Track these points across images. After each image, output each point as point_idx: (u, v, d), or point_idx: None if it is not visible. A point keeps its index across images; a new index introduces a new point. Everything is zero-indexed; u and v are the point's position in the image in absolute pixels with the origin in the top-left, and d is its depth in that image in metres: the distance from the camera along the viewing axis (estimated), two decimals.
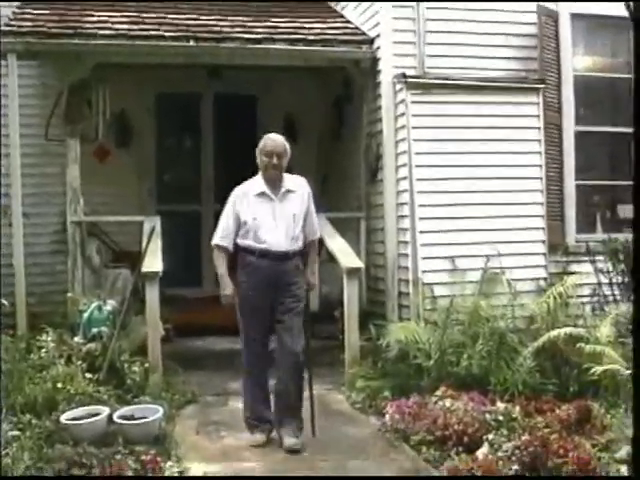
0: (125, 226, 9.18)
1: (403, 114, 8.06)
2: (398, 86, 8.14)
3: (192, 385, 7.13)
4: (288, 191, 5.83)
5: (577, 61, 8.73)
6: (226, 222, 5.85)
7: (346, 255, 7.64)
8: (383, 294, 8.37)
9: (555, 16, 8.50)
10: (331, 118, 10.24)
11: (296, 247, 5.82)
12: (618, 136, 8.84)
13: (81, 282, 8.28)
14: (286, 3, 10.05)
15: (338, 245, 7.82)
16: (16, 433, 5.27)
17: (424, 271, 7.79)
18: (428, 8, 8.19)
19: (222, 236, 5.85)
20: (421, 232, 7.84)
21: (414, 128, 7.94)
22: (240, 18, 9.14)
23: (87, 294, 7.95)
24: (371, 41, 8.62)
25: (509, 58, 8.38)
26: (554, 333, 6.69)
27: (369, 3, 8.74)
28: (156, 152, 10.68)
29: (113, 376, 6.72)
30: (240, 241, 5.81)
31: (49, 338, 6.94)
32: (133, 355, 6.99)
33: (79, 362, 6.64)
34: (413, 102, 7.99)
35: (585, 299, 7.86)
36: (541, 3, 8.39)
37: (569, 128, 8.55)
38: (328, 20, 9.43)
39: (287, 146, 5.88)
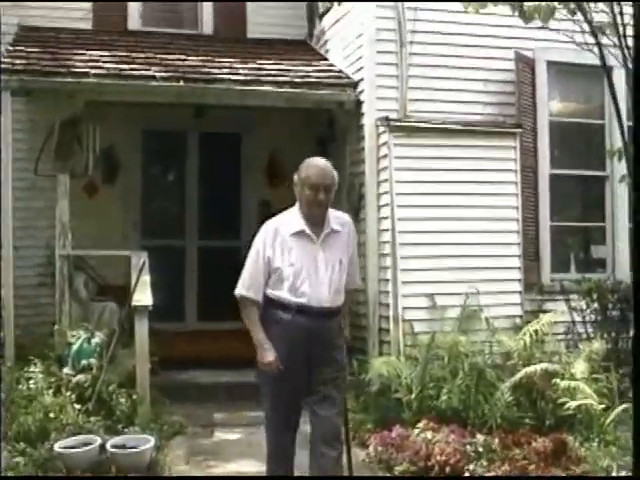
0: (109, 260, 9.31)
1: (386, 156, 8.34)
2: (381, 128, 8.42)
3: (179, 416, 7.29)
4: (333, 231, 4.74)
5: (552, 106, 9.06)
6: (254, 267, 4.70)
7: None
8: (364, 330, 8.58)
9: (532, 63, 8.84)
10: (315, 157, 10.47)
11: (340, 302, 4.77)
12: (591, 179, 9.20)
13: (68, 314, 8.41)
14: (271, 45, 10.39)
15: None
16: (19, 459, 5.44)
17: (405, 308, 8.03)
18: (411, 54, 8.51)
19: (249, 285, 4.69)
20: (402, 270, 8.08)
21: (396, 169, 8.22)
22: (227, 59, 9.41)
23: (74, 326, 8.09)
24: (355, 84, 8.90)
25: (488, 103, 8.71)
26: (530, 369, 6.94)
27: (353, 48, 9.03)
28: (142, 188, 10.87)
29: (102, 407, 6.87)
30: (270, 292, 4.66)
31: (37, 369, 7.11)
32: (120, 387, 7.15)
33: (68, 393, 6.81)
34: (395, 144, 8.28)
35: (560, 336, 8.14)
36: (519, 51, 8.73)
37: (544, 171, 8.85)
38: (313, 63, 9.73)
39: (336, 176, 4.79)
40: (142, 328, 7.18)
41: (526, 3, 5.51)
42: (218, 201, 10.95)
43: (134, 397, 7.03)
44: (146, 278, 7.67)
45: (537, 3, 5.50)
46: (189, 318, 10.61)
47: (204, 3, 10.97)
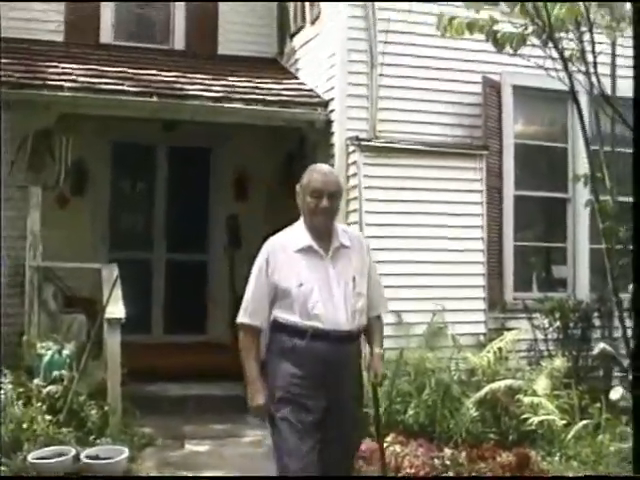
0: (77, 272, 9.35)
1: (355, 174, 8.51)
2: (351, 148, 8.59)
3: (149, 428, 7.37)
4: (342, 246, 4.27)
5: (518, 129, 9.29)
6: (257, 290, 4.20)
7: None
8: None
9: (498, 87, 9.06)
10: (283, 174, 10.61)
11: (359, 324, 4.24)
12: (553, 201, 9.45)
13: (37, 325, 8.45)
14: (242, 63, 10.53)
15: None
16: (4, 469, 5.50)
17: None
18: (381, 75, 8.70)
19: (251, 311, 4.19)
20: None
21: (365, 188, 8.39)
22: (199, 75, 9.52)
23: (43, 337, 8.13)
24: (326, 104, 9.06)
25: (455, 125, 8.91)
26: (495, 385, 7.13)
27: (325, 68, 9.20)
28: (110, 200, 10.92)
29: (73, 418, 6.94)
30: (279, 315, 4.16)
31: (6, 380, 7.15)
32: (90, 398, 7.21)
33: (39, 404, 6.86)
34: (365, 164, 8.45)
35: (522, 354, 8.35)
36: (486, 75, 8.96)
37: (509, 192, 9.07)
38: (283, 81, 9.89)
39: (341, 183, 4.44)
40: (114, 340, 7.26)
41: (500, 31, 5.69)
42: (186, 215, 11.05)
43: (105, 408, 7.10)
44: (118, 291, 7.75)
45: (510, 31, 5.70)
46: (155, 330, 10.68)
47: (177, 18, 11.07)
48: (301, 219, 4.34)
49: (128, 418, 7.35)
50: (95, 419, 6.97)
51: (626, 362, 5.55)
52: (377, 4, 8.72)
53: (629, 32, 5.27)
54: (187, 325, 10.71)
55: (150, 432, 7.31)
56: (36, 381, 7.25)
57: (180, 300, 10.71)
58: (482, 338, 8.40)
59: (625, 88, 6.14)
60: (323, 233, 4.23)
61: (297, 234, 4.29)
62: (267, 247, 4.29)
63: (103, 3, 10.73)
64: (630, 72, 7.23)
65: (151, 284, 10.80)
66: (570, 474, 6.04)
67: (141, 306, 10.64)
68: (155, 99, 8.62)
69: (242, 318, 4.22)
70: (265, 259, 4.23)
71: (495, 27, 5.79)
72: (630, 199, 9.05)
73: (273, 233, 11.18)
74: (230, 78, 9.62)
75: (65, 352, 7.55)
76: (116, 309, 7.40)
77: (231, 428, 7.51)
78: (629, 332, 5.35)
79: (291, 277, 4.14)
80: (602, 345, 6.18)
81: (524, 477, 5.38)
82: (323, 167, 4.46)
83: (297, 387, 4.06)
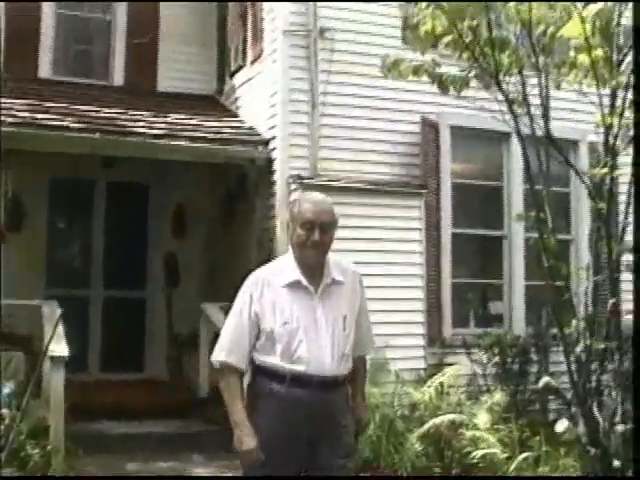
0: (12, 308, 9.22)
1: None
2: (293, 186, 8.70)
3: (92, 467, 7.29)
4: (334, 282, 3.90)
5: (455, 168, 9.50)
6: (237, 327, 3.84)
7: None
8: None
9: (436, 127, 9.29)
10: (223, 210, 10.66)
11: (347, 369, 3.88)
12: (489, 238, 9.67)
13: None
14: (181, 100, 10.58)
15: None
16: None
17: None
18: (322, 115, 8.85)
19: (230, 350, 3.81)
20: None
21: None
22: (139, 112, 9.57)
23: None
24: (267, 142, 9.18)
25: (395, 164, 9.11)
26: (437, 420, 7.25)
27: (266, 106, 9.31)
28: (47, 236, 10.80)
29: (15, 458, 6.83)
30: (259, 358, 3.82)
31: None
32: (31, 437, 7.12)
33: None
34: None
35: (462, 388, 8.49)
36: (424, 115, 9.17)
37: (446, 230, 9.26)
38: (223, 119, 9.98)
39: (336, 214, 4.01)
40: (58, 378, 7.18)
41: (445, 74, 5.85)
42: (124, 251, 10.98)
43: (48, 448, 7.01)
44: (60, 328, 7.68)
45: (454, 74, 5.86)
46: (92, 368, 10.55)
47: (116, 54, 11.08)
48: (289, 250, 3.97)
49: (71, 457, 7.26)
50: (37, 459, 6.87)
51: (569, 396, 5.70)
52: (319, 44, 8.90)
53: (570, 76, 5.48)
54: (124, 363, 10.61)
55: (94, 471, 7.22)
56: None
57: (117, 337, 10.61)
58: (422, 373, 8.53)
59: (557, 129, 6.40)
60: (314, 268, 3.86)
61: (285, 268, 3.90)
62: (251, 281, 3.91)
63: (42, 38, 10.67)
64: (563, 114, 7.52)
65: (88, 321, 10.67)
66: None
67: (78, 343, 10.49)
68: (97, 136, 8.62)
69: (219, 356, 3.82)
70: (249, 294, 3.85)
71: (439, 70, 5.94)
72: (567, 236, 9.37)
73: (211, 270, 11.38)
74: (171, 115, 9.70)
75: (5, 391, 7.44)
76: (59, 347, 7.33)
77: (176, 466, 7.46)
78: (573, 367, 5.50)
79: (275, 315, 3.79)
80: (546, 379, 6.33)
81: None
82: (315, 195, 4.05)
83: (274, 438, 3.72)
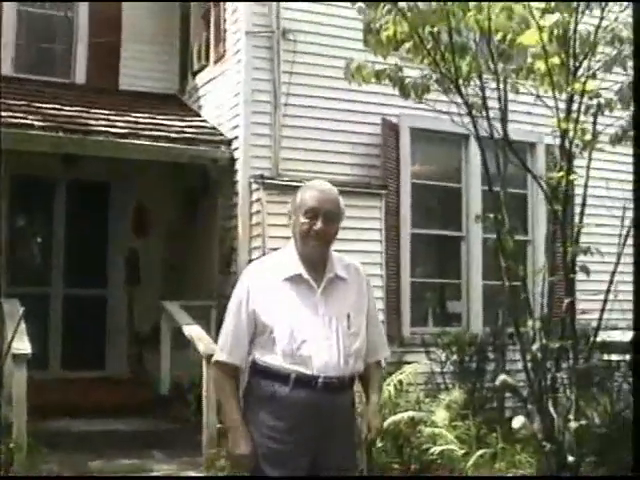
0: None
1: (258, 212, 8.71)
2: (254, 186, 8.79)
3: (55, 465, 7.30)
4: (338, 277, 3.63)
5: (415, 170, 9.63)
6: (236, 324, 3.57)
7: (205, 342, 8.07)
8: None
9: (396, 129, 9.42)
10: (185, 209, 10.69)
11: (354, 370, 3.59)
12: (448, 238, 9.83)
13: None
14: (144, 98, 10.61)
15: (196, 332, 8.23)
16: None
17: None
18: (285, 115, 8.95)
19: (230, 348, 3.57)
20: None
21: (269, 225, 8.59)
22: (102, 111, 9.57)
23: None
24: (229, 142, 9.26)
25: (356, 165, 9.23)
26: (397, 417, 7.36)
27: (228, 107, 9.39)
28: (8, 234, 10.75)
29: None
30: (258, 357, 3.55)
31: None
32: None
33: None
34: (268, 202, 8.66)
35: (421, 386, 8.63)
36: (385, 117, 9.30)
37: (406, 230, 9.39)
38: (186, 118, 10.03)
39: (342, 204, 3.71)
40: (21, 376, 7.17)
41: (406, 79, 5.99)
42: (85, 249, 10.97)
43: (10, 445, 7.02)
44: (22, 326, 7.69)
45: (415, 79, 6.00)
46: (54, 366, 10.54)
47: (78, 52, 11.07)
48: (291, 242, 3.69)
49: (34, 455, 7.27)
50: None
51: (525, 392, 5.87)
52: (282, 45, 8.99)
53: (528, 82, 5.65)
54: (86, 360, 10.60)
55: (57, 469, 7.24)
56: None
57: (78, 335, 10.60)
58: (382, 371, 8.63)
59: (515, 131, 6.57)
60: (316, 261, 3.59)
61: (285, 260, 3.63)
62: (248, 273, 3.67)
63: (3, 35, 10.63)
64: (522, 117, 7.69)
65: (49, 319, 10.66)
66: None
67: (39, 341, 10.48)
68: (61, 134, 8.64)
69: (220, 356, 3.58)
70: (246, 288, 3.58)
71: (401, 74, 6.07)
72: (525, 237, 9.56)
73: (173, 269, 11.43)
74: (133, 114, 9.72)
75: None
76: (22, 345, 7.33)
77: (138, 463, 7.50)
78: (529, 364, 5.67)
79: (275, 311, 3.52)
80: (503, 377, 6.48)
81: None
82: (321, 184, 3.76)
83: (276, 443, 3.47)
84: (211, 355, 7.51)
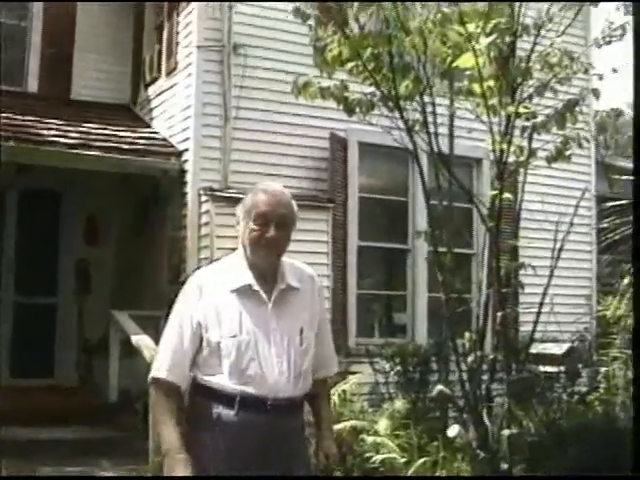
0: None
1: (207, 223, 8.84)
2: (204, 197, 8.92)
3: (3, 472, 7.31)
4: (290, 288, 3.34)
5: (362, 183, 9.81)
6: (177, 339, 3.25)
7: (152, 352, 8.14)
8: None
9: (344, 143, 9.60)
10: (136, 219, 10.77)
11: (303, 390, 3.29)
12: (394, 251, 10.03)
13: None
14: (96, 109, 10.68)
15: (144, 342, 8.32)
16: None
17: None
18: (234, 128, 9.10)
19: (170, 365, 3.24)
20: None
21: (218, 237, 8.72)
22: (54, 120, 9.63)
23: None
24: (179, 154, 9.38)
25: (304, 178, 9.39)
26: (340, 426, 7.51)
27: (179, 119, 9.52)
28: None
29: None
30: (201, 375, 3.24)
31: None
32: None
33: None
34: (217, 214, 8.79)
35: (365, 396, 8.80)
36: (333, 131, 9.49)
37: (353, 243, 9.57)
38: (137, 130, 10.12)
39: (295, 208, 3.41)
40: None
41: (350, 98, 6.17)
42: (36, 258, 11.00)
43: None
44: None
45: (360, 98, 6.19)
46: (2, 374, 10.55)
47: (31, 60, 11.11)
48: (239, 250, 3.40)
49: None
50: None
51: (462, 403, 6.06)
52: (233, 60, 9.15)
53: (467, 103, 5.86)
54: (35, 369, 10.64)
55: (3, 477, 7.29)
56: None
57: (28, 343, 10.64)
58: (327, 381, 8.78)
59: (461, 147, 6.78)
60: (267, 271, 3.30)
61: (233, 269, 3.33)
62: (195, 282, 3.33)
63: None
64: (465, 133, 7.90)
65: None
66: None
67: None
68: (12, 143, 8.69)
69: (159, 373, 3.24)
70: (190, 299, 3.28)
71: (347, 91, 6.26)
72: (469, 251, 9.79)
73: (123, 278, 11.49)
74: (85, 124, 9.78)
75: None
76: None
77: (85, 471, 7.57)
78: (464, 375, 5.87)
79: (221, 325, 3.21)
80: (440, 387, 6.68)
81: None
82: (272, 186, 3.42)
83: (220, 471, 3.16)
84: None
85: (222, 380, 3.17)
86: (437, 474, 7.09)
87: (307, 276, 3.46)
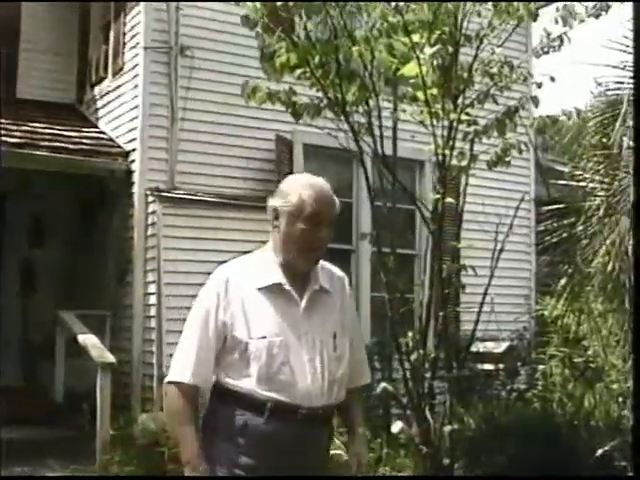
0: None
1: (154, 224, 8.92)
2: (151, 198, 9.00)
3: None
4: (322, 290, 3.10)
5: None
6: (199, 339, 2.98)
7: (99, 351, 8.23)
8: (127, 387, 8.99)
9: (290, 145, 9.74)
10: (82, 220, 10.75)
11: (338, 399, 3.05)
12: (338, 252, 10.12)
13: None
14: (41, 108, 10.66)
15: (91, 341, 8.38)
16: None
17: (168, 367, 8.52)
18: (182, 129, 9.19)
19: (193, 367, 2.96)
20: (167, 332, 8.63)
21: (164, 237, 8.80)
22: (0, 120, 9.61)
23: None
24: (126, 154, 9.45)
25: (251, 179, 9.51)
26: None
27: (126, 119, 9.57)
28: None
29: None
30: (227, 379, 2.97)
31: None
32: None
33: None
34: (164, 214, 8.88)
35: None
36: (279, 133, 9.61)
37: None
38: (84, 129, 10.15)
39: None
40: None
41: (297, 103, 6.30)
42: None
43: None
44: None
45: (307, 103, 6.32)
46: None
47: None
48: (268, 246, 3.16)
49: None
50: None
51: (405, 400, 6.23)
52: (180, 61, 9.23)
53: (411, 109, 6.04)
54: None
55: None
56: None
57: None
58: None
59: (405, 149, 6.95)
60: (302, 271, 3.06)
61: (262, 266, 3.07)
62: (218, 280, 3.04)
63: None
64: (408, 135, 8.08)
65: None
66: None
67: None
68: None
69: (179, 376, 2.97)
70: (215, 296, 2.99)
71: (296, 95, 6.38)
72: (412, 252, 9.98)
73: (69, 279, 11.53)
74: (30, 124, 9.78)
75: None
76: None
77: (31, 471, 7.59)
78: (407, 373, 6.04)
79: (249, 325, 2.95)
80: (383, 385, 6.83)
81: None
82: (319, 182, 3.18)
83: None
84: (107, 363, 7.82)
85: (250, 385, 2.92)
86: (381, 470, 7.26)
87: (337, 277, 3.23)
